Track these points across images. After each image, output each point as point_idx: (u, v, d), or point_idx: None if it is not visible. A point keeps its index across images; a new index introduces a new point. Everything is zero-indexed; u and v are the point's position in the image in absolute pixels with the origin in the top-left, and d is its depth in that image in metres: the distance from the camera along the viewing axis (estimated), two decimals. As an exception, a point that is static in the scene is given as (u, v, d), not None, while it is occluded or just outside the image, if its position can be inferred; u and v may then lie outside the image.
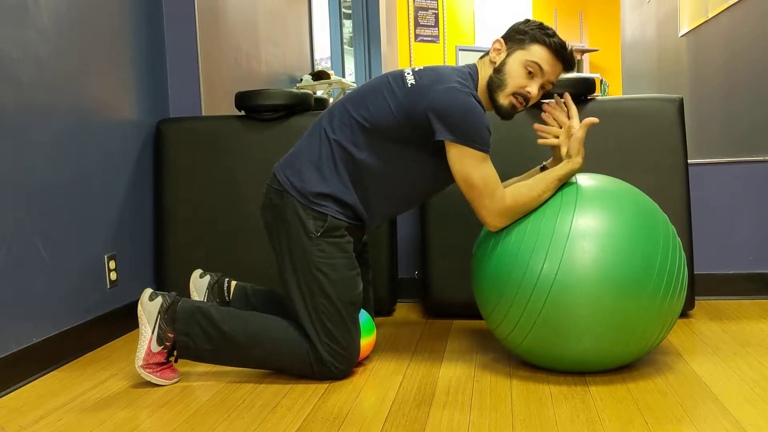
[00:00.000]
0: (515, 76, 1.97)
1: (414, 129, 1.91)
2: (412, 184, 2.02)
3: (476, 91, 1.98)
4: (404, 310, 2.83)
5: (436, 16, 9.80)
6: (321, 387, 1.93)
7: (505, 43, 2.01)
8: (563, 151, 1.97)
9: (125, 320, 2.61)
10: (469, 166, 1.89)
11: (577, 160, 1.92)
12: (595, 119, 1.93)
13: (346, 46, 6.87)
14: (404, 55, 9.29)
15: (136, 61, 2.78)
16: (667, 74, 5.22)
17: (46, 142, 2.22)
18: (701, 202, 2.79)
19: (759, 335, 2.27)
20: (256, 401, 1.84)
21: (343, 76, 6.33)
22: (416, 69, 1.98)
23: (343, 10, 6.82)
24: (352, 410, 1.75)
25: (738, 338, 2.24)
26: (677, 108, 2.58)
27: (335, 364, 1.95)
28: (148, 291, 1.95)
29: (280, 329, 1.98)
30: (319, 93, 5.04)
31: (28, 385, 2.06)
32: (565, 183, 1.94)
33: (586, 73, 6.69)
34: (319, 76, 4.88)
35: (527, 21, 2.01)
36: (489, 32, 10.30)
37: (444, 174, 1.97)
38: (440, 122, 1.87)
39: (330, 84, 4.97)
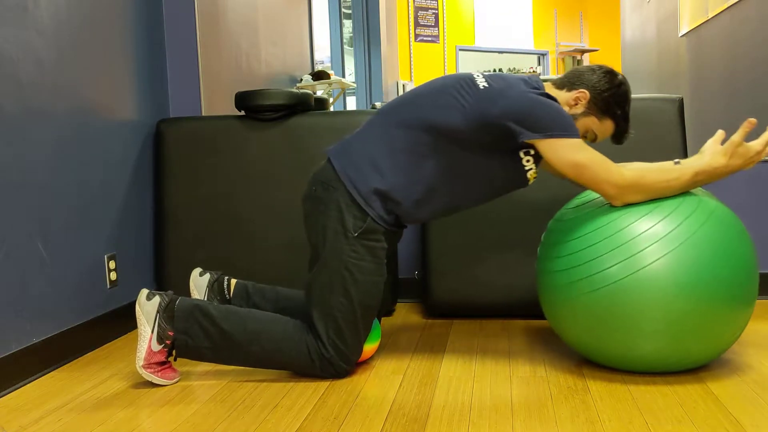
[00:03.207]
0: None
1: (487, 134, 1.90)
2: (473, 187, 2.00)
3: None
4: (404, 310, 2.83)
5: (436, 16, 9.81)
6: (321, 387, 1.93)
7: (588, 101, 1.99)
8: (706, 154, 1.90)
9: (125, 320, 2.61)
10: (569, 153, 1.86)
11: (720, 159, 1.84)
12: (752, 120, 1.83)
13: (346, 46, 6.88)
14: (404, 55, 9.30)
15: (136, 61, 2.78)
16: (667, 74, 5.22)
17: (46, 142, 2.22)
18: (701, 202, 2.79)
19: (760, 335, 2.27)
20: (256, 401, 1.84)
21: (343, 76, 6.33)
22: (485, 73, 1.98)
23: (343, 10, 6.83)
24: (352, 410, 1.75)
25: (739, 338, 2.24)
26: (677, 108, 2.59)
27: (338, 361, 1.96)
28: (145, 291, 1.96)
29: (279, 325, 1.98)
30: (319, 93, 5.04)
31: (28, 385, 2.06)
32: (707, 182, 1.86)
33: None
34: (319, 76, 4.88)
35: (620, 85, 1.99)
36: (489, 32, 10.32)
37: (509, 177, 1.97)
38: (521, 125, 1.86)
39: (330, 84, 4.97)
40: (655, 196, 1.85)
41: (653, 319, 1.78)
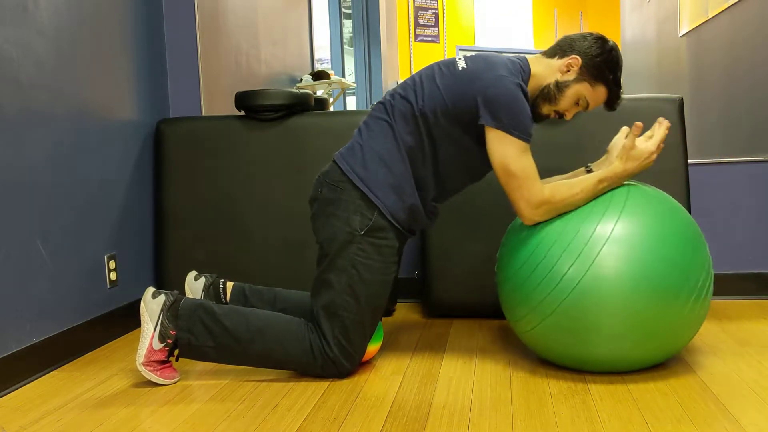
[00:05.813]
0: (568, 101, 2.01)
1: (462, 113, 1.94)
2: (461, 168, 2.04)
3: (525, 83, 1.99)
4: (404, 310, 2.83)
5: (436, 16, 9.80)
6: (321, 387, 1.93)
7: (581, 67, 1.99)
8: (613, 154, 1.99)
9: (125, 320, 2.61)
10: (509, 154, 1.90)
11: (618, 165, 1.90)
12: (638, 124, 1.89)
13: (346, 46, 6.88)
14: (404, 55, 9.29)
15: (136, 61, 2.78)
16: (667, 74, 5.22)
17: (46, 142, 2.22)
18: (701, 202, 2.79)
19: (759, 335, 2.27)
20: (256, 401, 1.84)
21: (343, 76, 6.33)
22: (467, 56, 2.02)
23: (343, 10, 6.82)
24: (352, 410, 1.75)
25: (737, 338, 2.24)
26: (677, 108, 2.59)
27: (341, 361, 1.96)
28: (151, 289, 1.96)
29: (282, 323, 1.99)
30: (319, 93, 5.04)
31: (28, 385, 2.06)
32: (611, 188, 1.92)
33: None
34: (319, 76, 4.88)
35: (611, 50, 1.99)
36: (489, 32, 10.31)
37: (486, 162, 2.00)
38: (486, 108, 1.90)
39: (330, 84, 4.97)
40: (562, 212, 1.90)
41: (610, 319, 1.80)
